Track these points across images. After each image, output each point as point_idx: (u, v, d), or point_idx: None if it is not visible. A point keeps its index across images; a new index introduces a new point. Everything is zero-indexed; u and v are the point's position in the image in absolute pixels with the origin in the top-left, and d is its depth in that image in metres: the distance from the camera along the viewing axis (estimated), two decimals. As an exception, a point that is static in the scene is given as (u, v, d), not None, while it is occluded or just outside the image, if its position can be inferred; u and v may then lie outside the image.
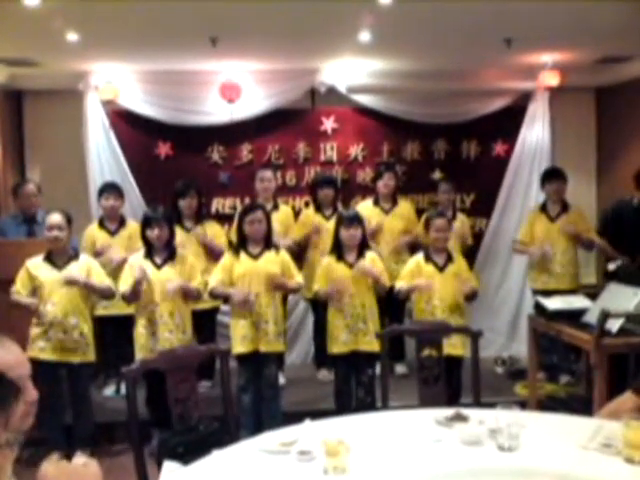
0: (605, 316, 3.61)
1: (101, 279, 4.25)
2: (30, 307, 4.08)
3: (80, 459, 1.36)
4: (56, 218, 4.14)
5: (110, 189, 5.06)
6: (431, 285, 4.26)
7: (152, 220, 4.17)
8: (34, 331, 4.13)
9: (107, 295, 4.31)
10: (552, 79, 5.72)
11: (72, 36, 4.47)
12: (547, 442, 2.23)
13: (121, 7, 3.92)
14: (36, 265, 4.14)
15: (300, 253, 5.23)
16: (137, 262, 4.21)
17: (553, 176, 5.26)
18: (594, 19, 4.35)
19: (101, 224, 5.06)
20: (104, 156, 5.85)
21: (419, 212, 5.62)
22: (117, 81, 5.73)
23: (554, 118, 6.21)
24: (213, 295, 4.33)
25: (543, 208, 5.31)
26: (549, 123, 6.19)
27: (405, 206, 5.52)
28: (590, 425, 2.33)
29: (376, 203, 5.42)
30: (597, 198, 6.59)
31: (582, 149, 6.54)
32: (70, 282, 4.10)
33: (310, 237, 5.21)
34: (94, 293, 4.26)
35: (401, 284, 4.36)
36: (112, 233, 5.02)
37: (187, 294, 4.23)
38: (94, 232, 5.03)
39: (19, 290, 4.11)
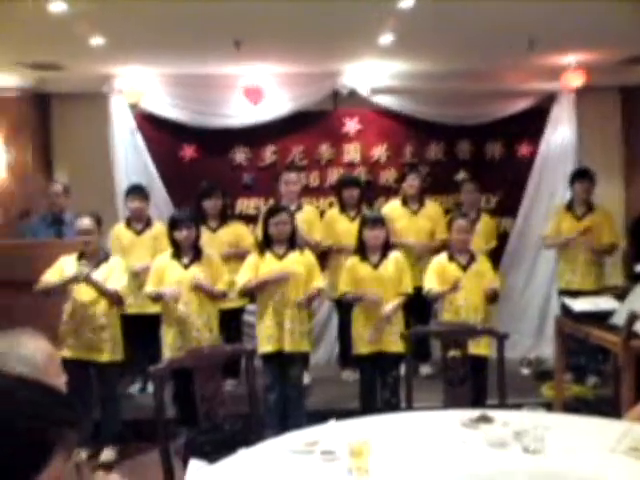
0: (633, 318, 3.57)
1: (115, 281, 4.22)
2: (63, 285, 4.08)
3: None
4: (85, 223, 4.20)
5: (135, 191, 5.12)
6: (459, 286, 4.23)
7: (180, 221, 4.22)
8: (63, 329, 4.20)
9: (114, 300, 4.23)
10: (576, 79, 5.65)
11: (97, 40, 4.53)
12: (573, 445, 2.21)
13: (145, 11, 3.97)
14: (68, 263, 4.21)
15: (324, 254, 5.24)
16: (163, 263, 4.27)
17: (582, 176, 5.22)
18: (618, 18, 4.29)
19: (128, 224, 5.13)
20: (130, 158, 5.93)
21: (445, 213, 5.59)
22: (141, 84, 5.80)
23: (579, 119, 6.13)
24: (244, 292, 4.36)
25: (569, 207, 5.28)
26: (574, 124, 6.12)
27: (433, 207, 5.51)
28: (617, 428, 2.30)
29: (404, 204, 5.42)
30: (625, 198, 6.51)
31: (608, 150, 6.45)
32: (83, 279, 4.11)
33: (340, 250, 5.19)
34: (104, 295, 4.21)
35: (430, 286, 4.34)
36: (138, 233, 5.09)
37: (212, 296, 4.28)
38: (120, 232, 5.10)
39: (47, 280, 4.12)
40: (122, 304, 4.35)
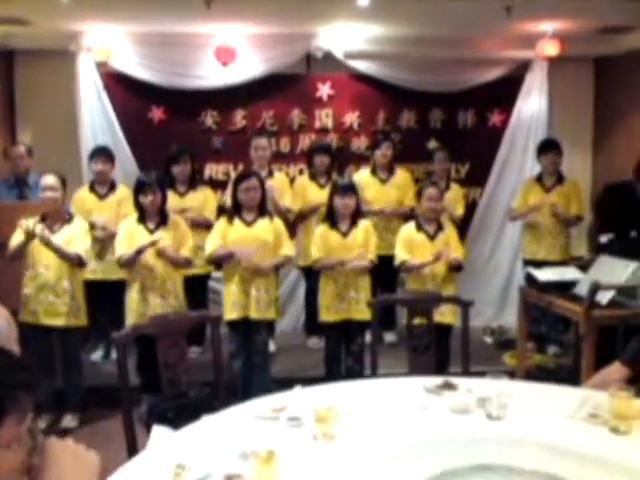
0: (595, 288, 3.64)
1: (77, 246, 4.14)
2: (24, 245, 4.02)
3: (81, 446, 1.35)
4: (50, 180, 4.12)
5: (100, 153, 5.00)
6: (444, 255, 4.23)
7: (145, 185, 4.14)
8: (26, 293, 4.12)
9: (75, 263, 4.17)
10: (551, 48, 5.64)
11: (64, -5, 4.38)
12: (534, 411, 2.25)
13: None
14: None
15: (294, 221, 5.21)
16: (129, 227, 4.19)
17: (549, 148, 5.26)
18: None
19: (91, 188, 5.02)
20: (97, 119, 5.77)
21: (415, 182, 5.58)
22: (110, 43, 5.62)
23: (552, 88, 6.15)
24: (213, 259, 4.31)
25: (538, 179, 5.35)
26: (547, 93, 6.13)
27: (402, 175, 5.49)
28: (577, 395, 2.35)
29: (373, 172, 5.40)
30: (592, 169, 6.58)
31: (579, 120, 6.50)
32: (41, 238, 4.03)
33: (313, 210, 5.16)
34: (63, 258, 4.13)
35: (404, 257, 4.33)
36: (101, 197, 4.98)
37: (176, 264, 4.23)
38: (84, 195, 4.99)
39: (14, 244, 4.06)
40: (84, 266, 4.27)
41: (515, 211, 5.42)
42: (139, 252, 4.07)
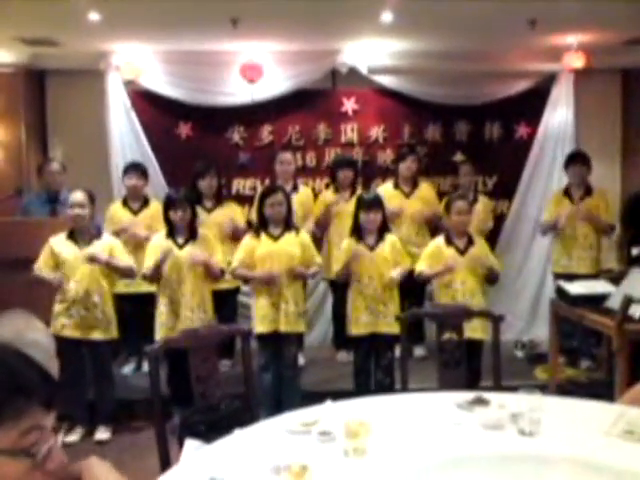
0: (628, 301, 3.58)
1: (123, 258, 4.29)
2: (53, 282, 4.13)
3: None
4: (78, 196, 4.20)
5: (134, 168, 5.10)
6: (454, 267, 4.23)
7: (175, 201, 4.21)
8: (57, 308, 4.20)
9: (129, 274, 4.36)
10: (577, 61, 5.61)
11: (94, 16, 4.47)
12: (568, 427, 2.21)
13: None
14: (59, 242, 4.21)
15: (320, 236, 5.23)
16: (159, 242, 4.25)
17: (577, 160, 5.22)
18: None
19: (124, 203, 5.10)
20: (126, 136, 5.88)
21: (440, 195, 5.58)
22: (138, 61, 5.72)
23: (578, 100, 6.11)
24: (235, 276, 4.36)
25: (566, 191, 5.28)
26: (573, 105, 6.09)
27: (426, 188, 5.48)
28: (612, 411, 2.31)
29: (397, 186, 5.40)
30: (621, 182, 6.50)
31: (607, 132, 6.43)
32: (92, 259, 4.13)
33: (327, 219, 5.19)
34: (116, 272, 4.30)
35: (422, 268, 4.34)
36: (135, 212, 5.06)
37: (210, 271, 4.26)
38: (117, 210, 5.08)
39: (42, 267, 4.17)
40: (135, 276, 4.41)
41: (545, 223, 5.35)
42: (160, 264, 4.13)
